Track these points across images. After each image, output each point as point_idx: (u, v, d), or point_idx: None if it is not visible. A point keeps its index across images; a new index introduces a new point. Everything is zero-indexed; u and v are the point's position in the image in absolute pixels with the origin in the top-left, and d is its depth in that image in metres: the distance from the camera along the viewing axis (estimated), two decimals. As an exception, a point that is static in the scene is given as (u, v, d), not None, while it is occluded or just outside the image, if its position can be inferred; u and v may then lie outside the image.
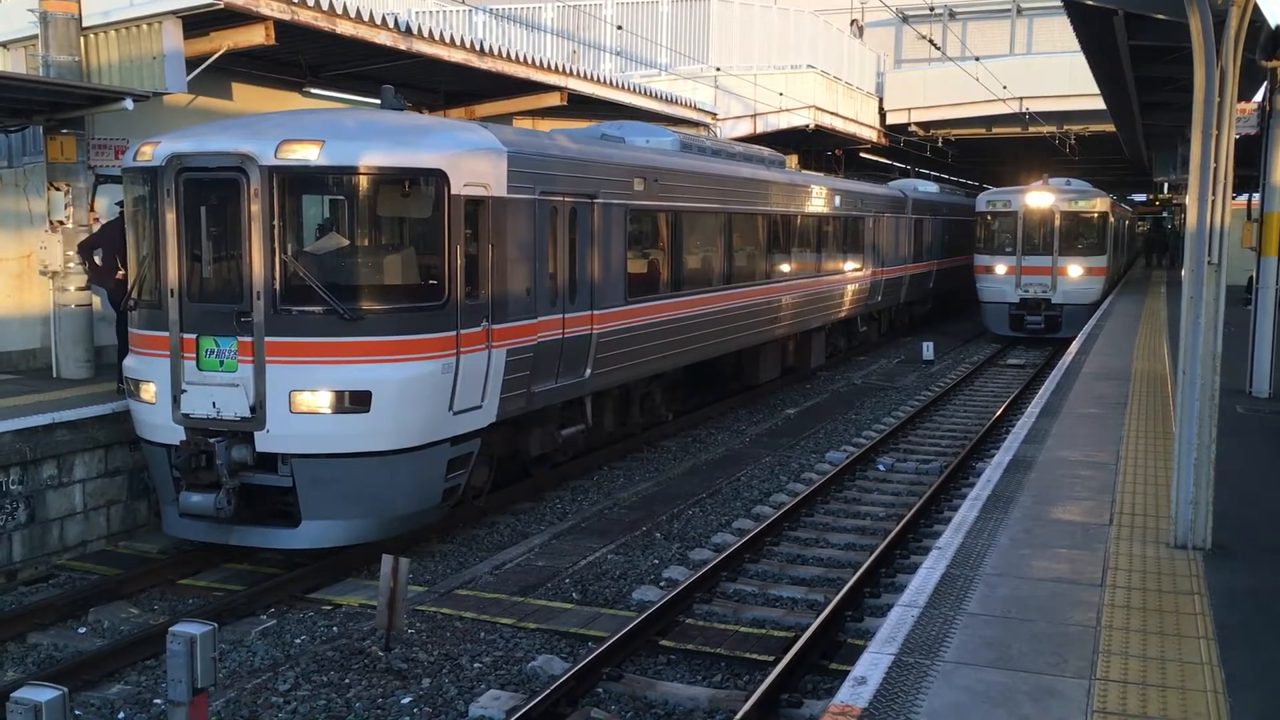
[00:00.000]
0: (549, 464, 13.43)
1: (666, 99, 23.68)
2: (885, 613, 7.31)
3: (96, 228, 13.11)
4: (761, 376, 20.05)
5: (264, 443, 9.70)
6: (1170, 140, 26.98)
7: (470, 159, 10.51)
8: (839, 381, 22.49)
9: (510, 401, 11.26)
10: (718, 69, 26.52)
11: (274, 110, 14.85)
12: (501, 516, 12.18)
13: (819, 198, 21.73)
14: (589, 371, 12.94)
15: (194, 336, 9.84)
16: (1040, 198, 28.18)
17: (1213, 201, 7.44)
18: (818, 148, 33.24)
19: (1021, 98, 29.68)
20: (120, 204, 11.51)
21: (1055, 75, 29.83)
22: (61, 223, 12.67)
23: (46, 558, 10.44)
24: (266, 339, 9.62)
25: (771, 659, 8.07)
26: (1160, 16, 10.10)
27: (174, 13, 12.65)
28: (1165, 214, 63.36)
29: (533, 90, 19.22)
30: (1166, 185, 40.32)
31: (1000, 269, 28.33)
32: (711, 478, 14.04)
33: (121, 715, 7.53)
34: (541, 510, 12.48)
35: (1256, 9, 8.20)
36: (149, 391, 10.08)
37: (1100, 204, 28.57)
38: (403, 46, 15.19)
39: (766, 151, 20.35)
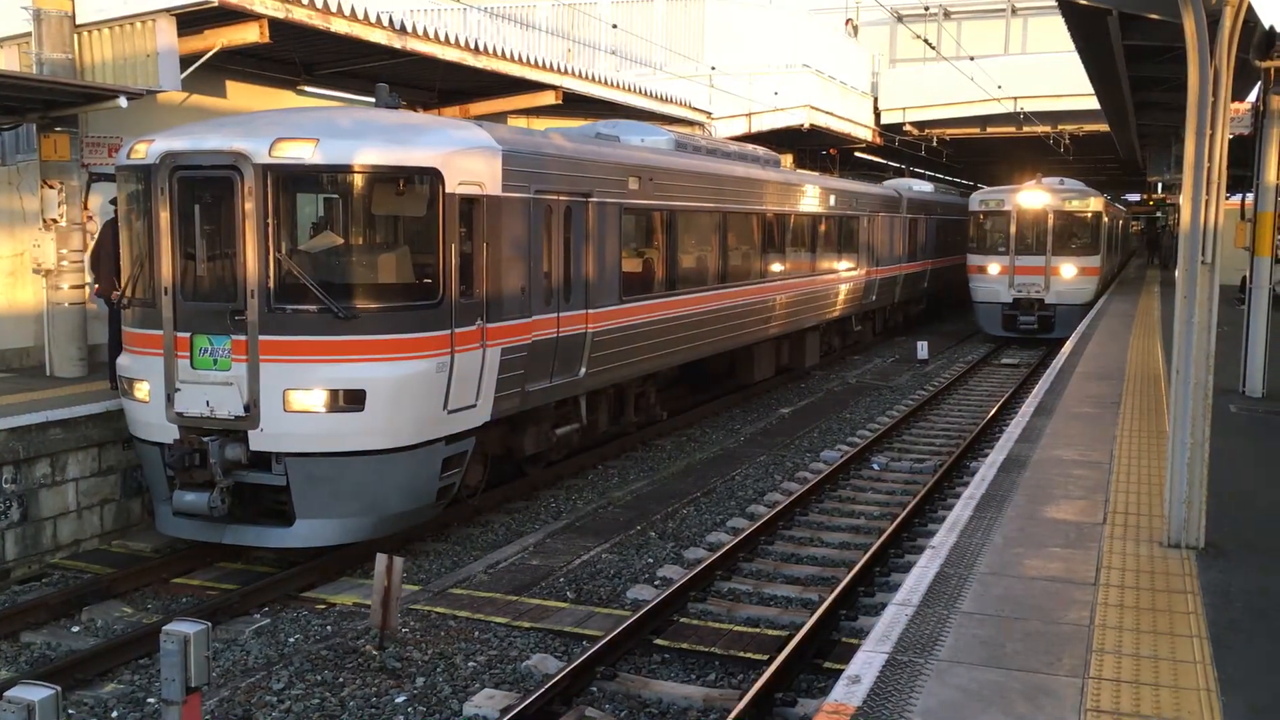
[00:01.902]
0: (543, 463, 13.43)
1: (661, 98, 23.68)
2: (879, 611, 7.33)
3: (91, 226, 13.10)
4: (756, 375, 20.06)
5: (258, 441, 9.69)
6: (1164, 140, 27.03)
7: (465, 157, 10.50)
8: (833, 381, 22.50)
9: (505, 400, 11.25)
10: (713, 68, 26.53)
11: (268, 108, 14.82)
12: (496, 515, 12.17)
13: (814, 197, 21.74)
14: (583, 370, 12.93)
15: (188, 335, 9.83)
16: (1033, 197, 28.16)
17: (1206, 201, 7.45)
18: (813, 147, 33.26)
19: (1016, 97, 29.71)
20: (114, 202, 11.49)
21: (1050, 75, 29.87)
22: (55, 221, 12.65)
23: (40, 556, 10.42)
24: (260, 337, 9.61)
25: (766, 658, 8.07)
26: (1154, 16, 10.10)
27: (168, 10, 12.62)
28: (1159, 214, 63.47)
29: (528, 89, 19.21)
30: (1160, 185, 40.41)
31: (993, 269, 28.31)
32: (706, 477, 14.04)
33: (115, 714, 7.52)
34: (536, 509, 12.48)
35: (1250, 9, 8.20)
36: (142, 390, 10.06)
37: (1094, 203, 28.56)
38: (397, 45, 15.17)
39: (761, 150, 20.36)
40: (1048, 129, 32.58)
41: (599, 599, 9.60)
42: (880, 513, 12.48)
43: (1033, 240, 28.02)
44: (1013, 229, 28.06)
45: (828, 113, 29.13)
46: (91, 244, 12.90)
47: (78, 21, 12.75)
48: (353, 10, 14.24)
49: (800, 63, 27.98)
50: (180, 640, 6.02)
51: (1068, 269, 27.78)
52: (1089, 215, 28.42)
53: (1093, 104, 22.22)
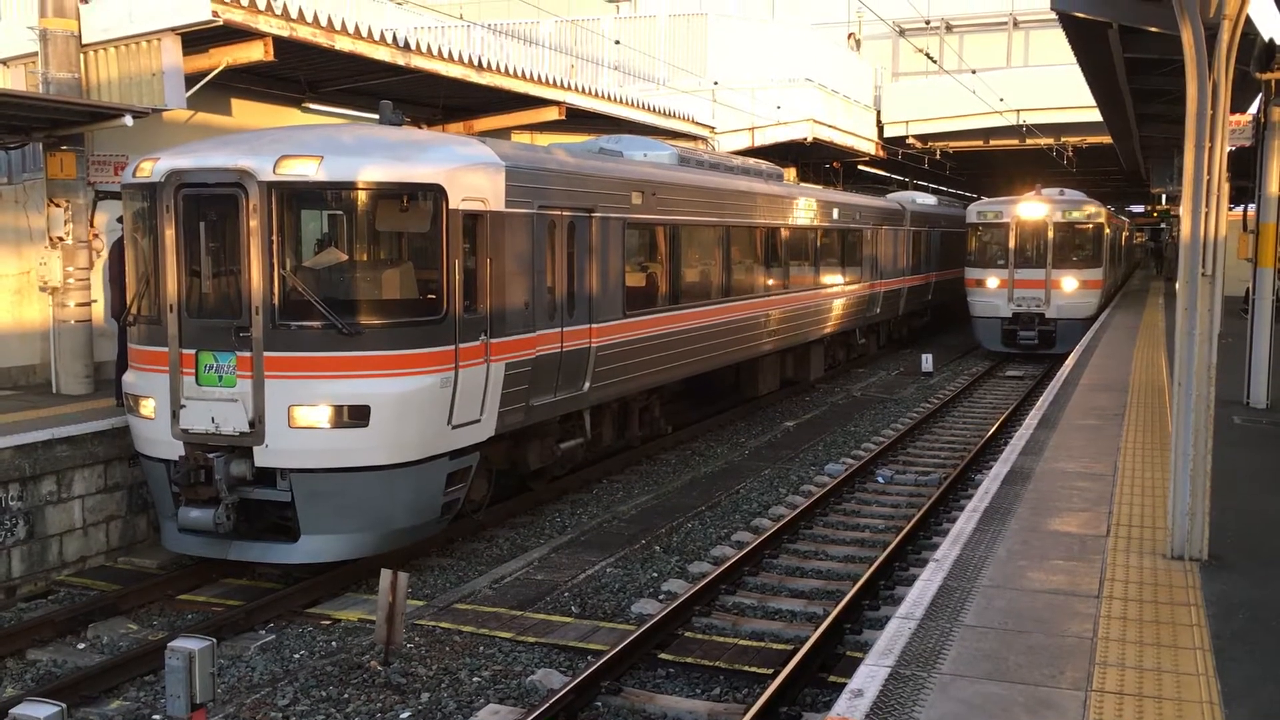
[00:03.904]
0: (547, 477, 13.44)
1: (664, 112, 23.75)
2: (883, 625, 7.32)
3: (97, 244, 13.17)
4: (761, 389, 20.07)
5: (263, 457, 9.72)
6: (1167, 152, 26.98)
7: (468, 173, 10.55)
8: (838, 394, 22.50)
9: (509, 415, 11.27)
10: (715, 83, 26.60)
11: (273, 126, 14.90)
12: (500, 530, 12.18)
13: (817, 210, 21.79)
14: (587, 385, 12.96)
15: (193, 352, 9.86)
16: (1033, 208, 27.59)
17: (1206, 213, 7.47)
18: (816, 160, 33.33)
19: (1018, 110, 29.72)
20: (120, 220, 11.55)
21: (1052, 87, 29.80)
22: (61, 239, 12.71)
23: (46, 573, 10.45)
24: (265, 354, 9.65)
25: (770, 672, 8.08)
26: (1154, 29, 10.15)
27: (173, 29, 12.70)
28: (1163, 225, 63.47)
29: (531, 104, 19.28)
30: (1164, 196, 40.39)
31: (992, 282, 27.54)
32: (710, 491, 14.04)
33: (120, 731, 7.54)
34: (540, 524, 12.49)
35: (1249, 21, 8.24)
36: (148, 407, 10.10)
37: (1095, 214, 28.04)
38: (401, 62, 15.25)
39: (764, 164, 20.41)
40: (1050, 141, 32.57)
41: (603, 613, 9.60)
42: (885, 526, 12.48)
43: (1032, 252, 27.35)
44: (1011, 241, 27.41)
45: (830, 126, 29.19)
46: (99, 262, 12.97)
47: (83, 41, 12.83)
48: (356, 28, 14.32)
49: (803, 77, 28.03)
50: (185, 657, 6.04)
51: (1069, 282, 27.10)
52: (1090, 226, 27.81)
53: (1095, 116, 22.24)
